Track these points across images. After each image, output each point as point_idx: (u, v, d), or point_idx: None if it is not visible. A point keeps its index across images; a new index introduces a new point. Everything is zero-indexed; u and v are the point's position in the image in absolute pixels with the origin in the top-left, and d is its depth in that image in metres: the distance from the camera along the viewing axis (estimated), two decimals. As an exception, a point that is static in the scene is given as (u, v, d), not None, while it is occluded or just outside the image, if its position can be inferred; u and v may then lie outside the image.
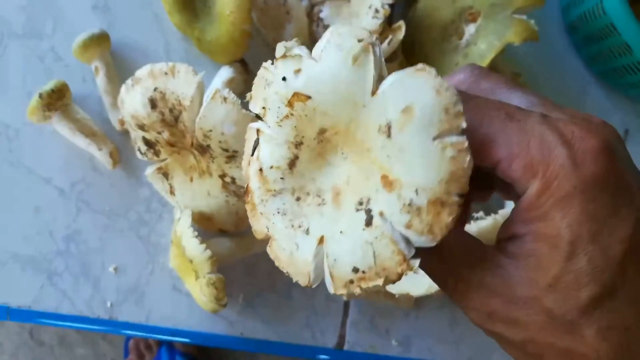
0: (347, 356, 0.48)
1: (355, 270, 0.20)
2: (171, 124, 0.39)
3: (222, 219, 0.43)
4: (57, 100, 0.42)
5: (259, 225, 0.23)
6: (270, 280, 0.48)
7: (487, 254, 0.21)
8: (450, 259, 0.21)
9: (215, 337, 0.46)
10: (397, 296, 0.45)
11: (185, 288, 0.46)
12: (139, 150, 0.43)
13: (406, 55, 0.47)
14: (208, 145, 0.39)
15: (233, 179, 0.40)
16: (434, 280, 0.23)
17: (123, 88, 0.40)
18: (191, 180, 0.42)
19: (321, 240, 0.21)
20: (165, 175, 0.43)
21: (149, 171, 0.44)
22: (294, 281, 0.22)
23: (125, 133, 0.45)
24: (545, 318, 0.20)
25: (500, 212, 0.41)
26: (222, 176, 0.41)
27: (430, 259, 0.21)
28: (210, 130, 0.38)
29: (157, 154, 0.42)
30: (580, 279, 0.19)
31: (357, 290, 0.20)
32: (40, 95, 0.41)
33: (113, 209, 0.46)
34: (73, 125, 0.43)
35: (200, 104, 0.38)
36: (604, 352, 0.19)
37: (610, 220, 0.19)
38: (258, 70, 0.23)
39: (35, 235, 0.45)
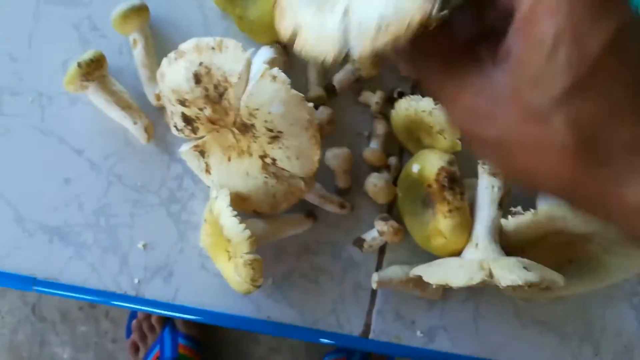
0: (372, 345, 0.48)
1: (379, 25, 0.21)
2: (215, 101, 0.38)
3: (259, 200, 0.42)
4: (95, 70, 0.41)
5: (287, 22, 0.25)
6: (299, 264, 0.47)
7: (482, 64, 0.24)
8: (450, 68, 0.24)
9: (242, 319, 0.46)
10: (433, 286, 0.45)
11: (213, 268, 0.46)
12: (175, 126, 0.42)
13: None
14: (252, 125, 0.38)
15: (274, 160, 0.40)
16: (430, 87, 0.25)
17: (164, 61, 0.39)
18: (229, 159, 0.42)
19: (347, 13, 0.22)
20: (202, 153, 0.43)
21: (185, 148, 0.43)
22: (320, 60, 0.24)
23: (160, 108, 0.45)
24: (521, 112, 0.22)
25: (540, 208, 0.41)
26: (263, 157, 0.40)
27: (432, 69, 0.25)
28: (257, 109, 0.37)
29: (194, 131, 0.42)
30: (557, 72, 0.21)
31: (381, 43, 0.21)
32: (79, 64, 0.40)
33: (144, 184, 0.45)
34: (109, 97, 0.42)
35: (247, 82, 0.37)
36: (568, 141, 0.21)
37: (594, 25, 0.21)
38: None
39: (64, 206, 0.44)
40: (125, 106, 0.43)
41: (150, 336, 1.01)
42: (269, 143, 0.39)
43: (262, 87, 0.36)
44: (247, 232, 0.39)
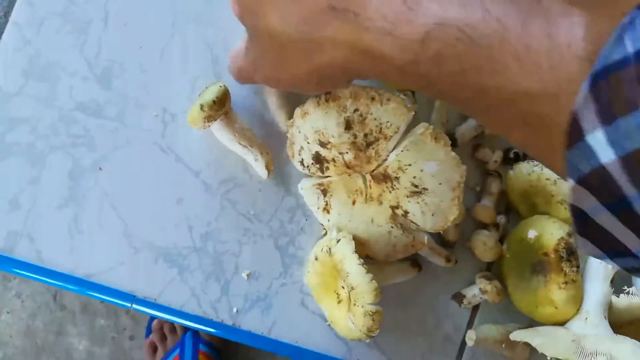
0: (457, 400, 0.47)
1: None
2: (360, 149, 0.38)
3: (377, 248, 0.42)
4: (217, 110, 0.39)
5: None
6: (395, 311, 0.47)
7: None
8: None
9: (332, 360, 0.46)
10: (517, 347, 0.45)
11: (313, 306, 0.45)
12: (302, 162, 0.42)
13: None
14: (397, 177, 0.38)
15: (406, 213, 0.39)
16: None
17: (312, 100, 0.38)
18: (353, 203, 0.41)
19: None
20: (324, 192, 0.42)
21: (306, 185, 0.43)
22: None
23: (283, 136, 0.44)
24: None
25: (657, 292, 0.42)
26: (395, 207, 0.40)
27: None
28: (409, 165, 0.37)
29: (322, 170, 0.41)
30: None
31: None
32: (202, 107, 0.39)
33: (257, 213, 0.44)
34: (231, 135, 0.41)
35: (403, 137, 0.36)
36: None
37: None
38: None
39: (173, 227, 0.43)
40: (247, 143, 0.42)
41: (171, 338, 1.00)
42: (407, 196, 0.38)
43: (420, 145, 0.36)
44: (374, 284, 0.38)
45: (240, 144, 0.42)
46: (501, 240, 0.47)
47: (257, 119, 0.44)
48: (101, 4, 0.42)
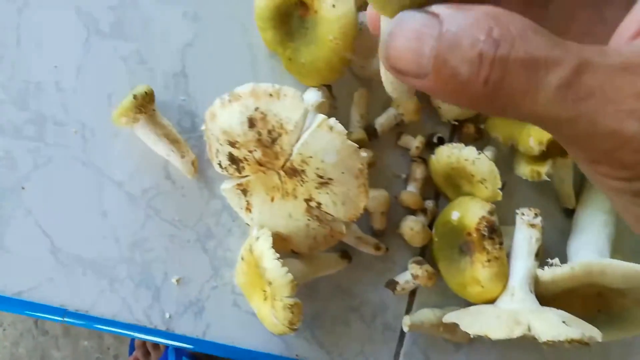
0: (400, 388, 0.48)
1: None
2: (266, 145, 0.38)
3: (299, 242, 0.42)
4: (148, 103, 0.41)
5: None
6: (330, 304, 0.47)
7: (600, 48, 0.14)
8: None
9: (271, 357, 0.46)
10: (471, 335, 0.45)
11: (245, 306, 0.45)
12: (220, 164, 0.42)
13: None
14: (302, 170, 0.38)
15: (319, 204, 0.40)
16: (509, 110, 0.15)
17: (217, 102, 0.39)
18: (272, 200, 0.42)
19: None
20: (244, 191, 0.43)
21: (227, 186, 0.43)
22: None
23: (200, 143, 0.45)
24: None
25: (579, 262, 0.42)
26: (308, 200, 0.40)
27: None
28: (310, 157, 0.37)
29: (239, 170, 0.42)
30: None
31: None
32: (135, 96, 0.40)
33: (182, 219, 0.45)
34: (158, 131, 0.42)
35: (302, 130, 0.37)
36: None
37: None
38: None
39: (100, 239, 0.44)
40: (173, 140, 0.43)
41: (154, 354, 1.00)
42: (317, 188, 0.39)
43: (318, 137, 0.36)
44: (289, 276, 0.39)
45: (166, 140, 0.42)
46: (432, 225, 0.48)
47: (176, 124, 0.45)
48: (13, 27, 0.43)
